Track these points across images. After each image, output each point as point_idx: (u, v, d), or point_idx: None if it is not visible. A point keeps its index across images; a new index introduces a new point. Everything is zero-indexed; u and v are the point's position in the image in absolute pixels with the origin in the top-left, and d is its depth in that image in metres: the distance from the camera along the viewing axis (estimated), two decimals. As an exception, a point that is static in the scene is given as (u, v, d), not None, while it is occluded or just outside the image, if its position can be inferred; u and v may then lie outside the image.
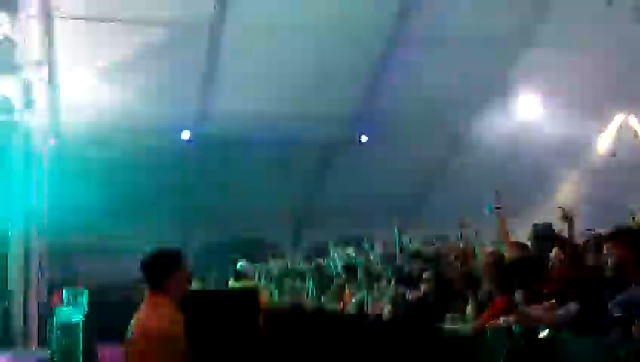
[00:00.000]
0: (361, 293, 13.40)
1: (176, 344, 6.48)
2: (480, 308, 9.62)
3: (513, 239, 10.37)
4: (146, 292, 6.68)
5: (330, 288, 15.41)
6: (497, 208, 9.99)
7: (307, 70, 22.09)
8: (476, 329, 9.02)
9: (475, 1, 21.49)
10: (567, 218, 9.03)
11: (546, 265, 8.62)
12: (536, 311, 7.83)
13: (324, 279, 16.16)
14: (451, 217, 13.92)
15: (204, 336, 7.58)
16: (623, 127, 26.60)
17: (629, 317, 6.51)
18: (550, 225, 9.96)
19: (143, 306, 6.62)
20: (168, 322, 6.49)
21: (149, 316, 6.59)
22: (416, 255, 13.46)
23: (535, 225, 10.00)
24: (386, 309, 11.75)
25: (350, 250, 17.30)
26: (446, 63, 22.81)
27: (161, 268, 6.69)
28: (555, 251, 8.49)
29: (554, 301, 7.74)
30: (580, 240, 9.87)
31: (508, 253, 9.72)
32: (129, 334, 6.56)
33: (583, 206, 23.01)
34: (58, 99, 22.63)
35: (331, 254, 17.70)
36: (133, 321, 6.59)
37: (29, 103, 19.12)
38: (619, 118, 26.53)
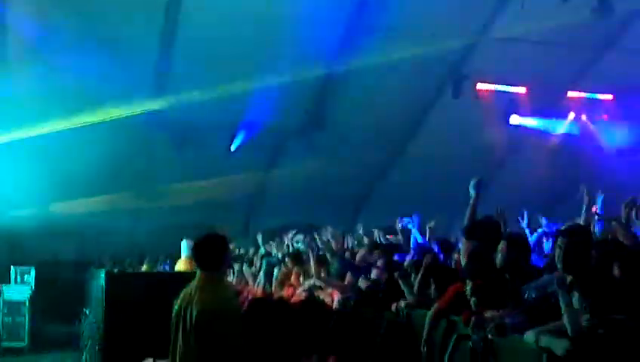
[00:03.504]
0: (311, 280, 13.44)
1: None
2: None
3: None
4: (202, 273, 7.32)
5: (276, 274, 15.42)
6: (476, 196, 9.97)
7: (262, 57, 21.96)
8: (435, 311, 9.15)
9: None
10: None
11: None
12: None
13: (272, 265, 16.18)
14: (403, 205, 13.97)
15: (151, 318, 7.80)
16: (574, 124, 26.88)
17: (543, 298, 7.08)
18: (490, 216, 10.13)
19: (202, 284, 7.24)
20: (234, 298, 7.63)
21: (221, 293, 7.29)
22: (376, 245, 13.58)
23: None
24: (337, 298, 11.82)
25: (299, 237, 17.34)
26: (401, 54, 22.83)
27: (220, 250, 7.39)
28: (501, 244, 8.58)
29: None
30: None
31: None
32: (193, 310, 7.05)
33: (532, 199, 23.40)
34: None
35: (282, 240, 17.77)
36: (193, 297, 7.16)
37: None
38: (570, 115, 26.77)
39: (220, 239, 7.45)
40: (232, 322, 7.01)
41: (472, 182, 9.85)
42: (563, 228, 7.88)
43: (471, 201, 9.79)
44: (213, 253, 7.32)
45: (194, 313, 7.02)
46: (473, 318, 7.93)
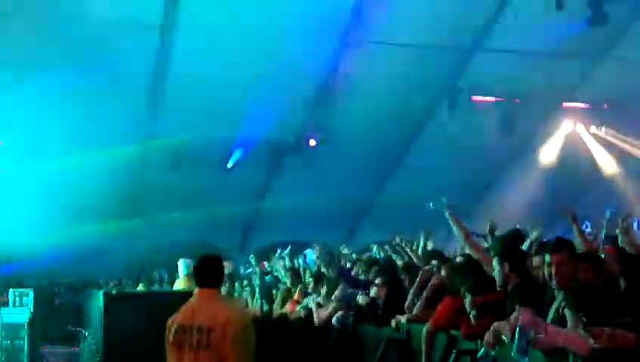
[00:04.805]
0: (309, 297, 13.40)
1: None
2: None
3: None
4: (203, 290, 7.53)
5: (275, 292, 15.39)
6: (451, 214, 10.02)
7: (257, 73, 21.92)
8: (431, 331, 9.09)
9: (424, 7, 21.44)
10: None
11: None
12: None
13: (269, 283, 16.15)
14: (400, 221, 13.94)
15: (151, 338, 7.84)
16: (570, 134, 26.83)
17: None
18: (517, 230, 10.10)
19: (208, 301, 7.46)
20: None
21: (227, 308, 7.61)
22: (372, 262, 13.55)
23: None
24: (337, 315, 11.78)
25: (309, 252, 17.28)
26: (396, 68, 22.86)
27: (219, 268, 7.67)
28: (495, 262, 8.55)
29: None
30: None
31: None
32: (205, 326, 7.22)
33: (530, 210, 23.36)
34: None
35: (277, 258, 17.71)
36: (199, 314, 7.32)
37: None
38: (566, 125, 26.72)
39: (218, 258, 7.73)
40: (251, 333, 7.32)
41: (443, 205, 9.89)
42: (548, 244, 7.81)
43: (452, 221, 9.81)
44: (214, 271, 7.59)
45: (206, 328, 7.20)
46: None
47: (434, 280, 10.23)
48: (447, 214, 9.99)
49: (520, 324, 6.25)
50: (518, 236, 10.19)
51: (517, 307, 6.70)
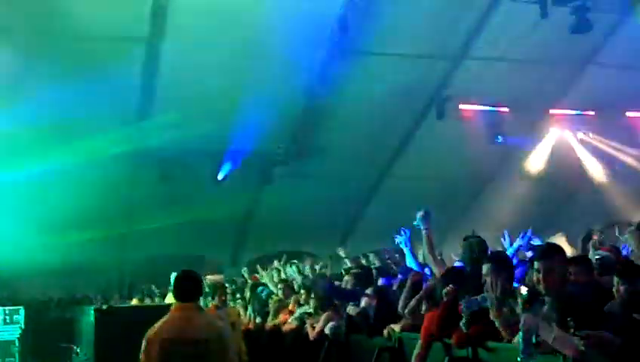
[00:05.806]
0: (302, 309, 13.40)
1: None
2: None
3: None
4: (186, 304, 7.74)
5: (267, 304, 15.38)
6: (426, 228, 10.03)
7: (245, 85, 21.93)
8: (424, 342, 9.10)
9: (410, 16, 21.50)
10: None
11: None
12: None
13: (262, 295, 16.13)
14: (390, 229, 13.92)
15: (138, 353, 7.87)
16: (558, 142, 26.85)
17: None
18: (482, 240, 10.04)
19: (191, 314, 7.66)
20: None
21: (216, 318, 8.28)
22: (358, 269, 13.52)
23: (467, 238, 10.09)
24: (329, 325, 11.77)
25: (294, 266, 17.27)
26: (384, 78, 22.89)
27: (200, 282, 8.13)
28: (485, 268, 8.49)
29: None
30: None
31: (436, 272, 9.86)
32: (199, 337, 7.48)
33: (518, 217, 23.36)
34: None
35: (270, 270, 17.70)
36: (186, 327, 7.55)
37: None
38: (554, 132, 26.74)
39: (195, 273, 8.08)
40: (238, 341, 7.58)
41: (418, 216, 9.92)
42: (537, 250, 7.81)
43: (424, 235, 9.84)
44: (195, 284, 7.88)
45: (203, 340, 7.42)
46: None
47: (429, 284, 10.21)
48: (423, 232, 9.99)
49: (524, 326, 6.32)
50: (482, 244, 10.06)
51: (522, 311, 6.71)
